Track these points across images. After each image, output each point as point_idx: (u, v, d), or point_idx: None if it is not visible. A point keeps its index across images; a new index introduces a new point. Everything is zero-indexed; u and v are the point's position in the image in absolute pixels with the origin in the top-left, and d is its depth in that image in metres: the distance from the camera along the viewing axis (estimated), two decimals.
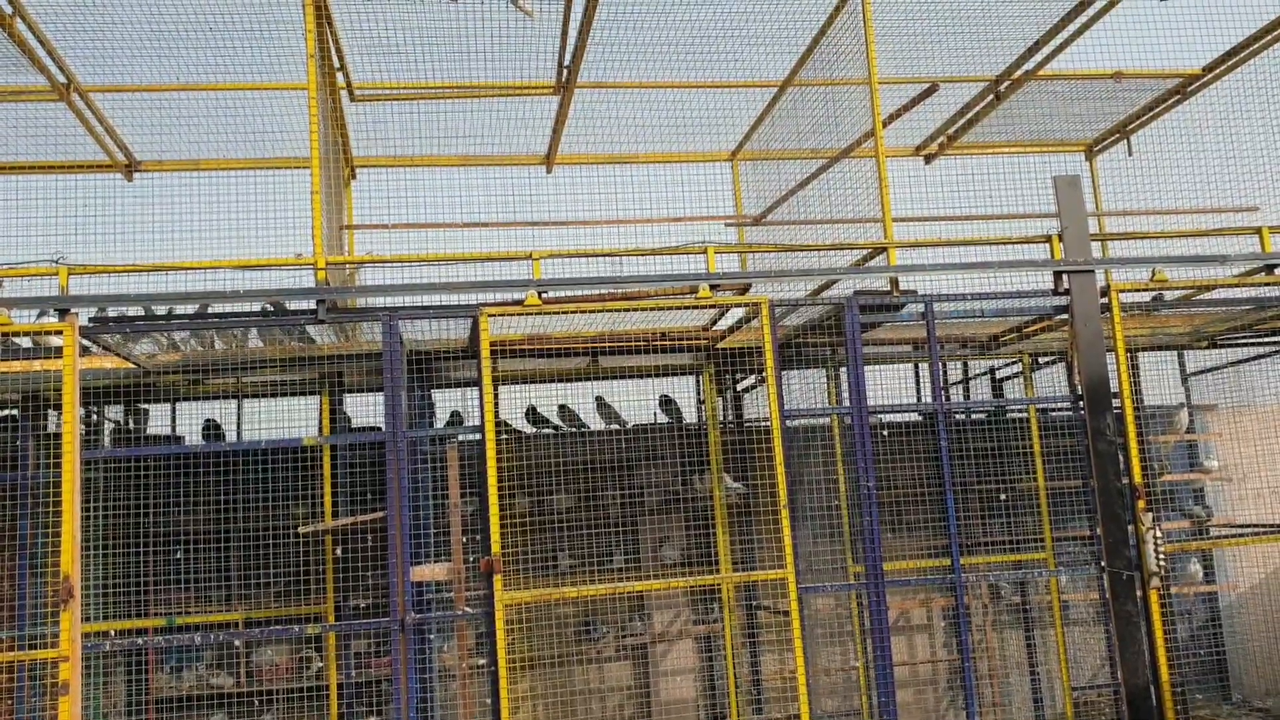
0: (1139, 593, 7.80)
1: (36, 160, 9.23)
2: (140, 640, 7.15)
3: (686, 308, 7.72)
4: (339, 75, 8.48)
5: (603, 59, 8.67)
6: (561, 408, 10.28)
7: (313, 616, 8.65)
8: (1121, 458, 7.96)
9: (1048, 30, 8.49)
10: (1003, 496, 10.00)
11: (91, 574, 8.46)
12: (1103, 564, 7.88)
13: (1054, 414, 10.24)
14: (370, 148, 9.83)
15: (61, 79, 8.14)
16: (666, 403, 10.36)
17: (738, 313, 8.46)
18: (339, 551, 8.62)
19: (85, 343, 7.47)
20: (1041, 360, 10.13)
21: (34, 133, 8.85)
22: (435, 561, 7.71)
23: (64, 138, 8.92)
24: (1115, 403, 7.96)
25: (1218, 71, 9.11)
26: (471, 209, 9.56)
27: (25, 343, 7.80)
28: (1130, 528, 7.86)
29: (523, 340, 8.45)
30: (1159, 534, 7.81)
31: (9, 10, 7.18)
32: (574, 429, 10.27)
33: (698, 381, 10.25)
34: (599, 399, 10.23)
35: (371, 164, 10.04)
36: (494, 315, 7.38)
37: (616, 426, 10.29)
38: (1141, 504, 7.85)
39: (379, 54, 8.33)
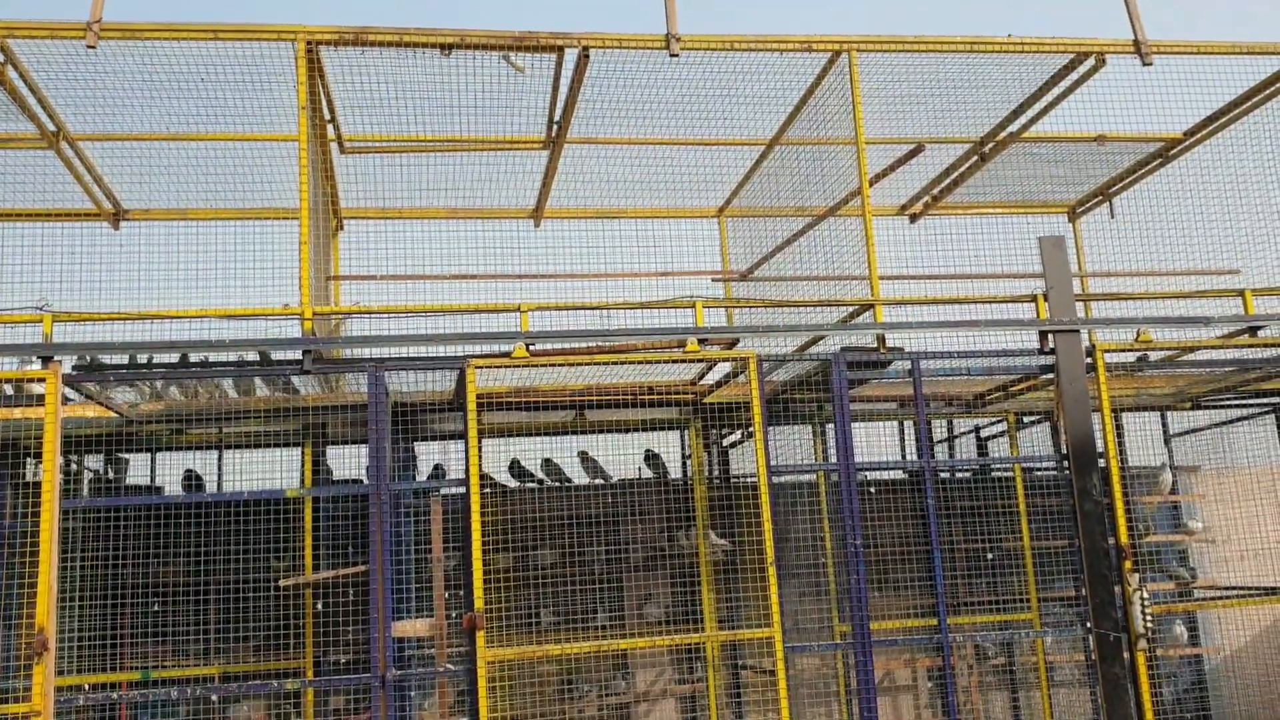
0: (1126, 655, 7.75)
1: (23, 208, 9.21)
2: (115, 695, 7.00)
3: (674, 361, 7.72)
4: (329, 127, 8.51)
5: (592, 115, 8.74)
6: (546, 461, 10.22)
7: (291, 672, 8.50)
8: (1107, 518, 7.95)
9: (1031, 93, 8.61)
10: (989, 556, 9.96)
11: (66, 626, 8.31)
12: (1089, 625, 7.84)
13: (1039, 473, 10.24)
14: (358, 199, 9.85)
15: (51, 127, 8.15)
16: (652, 457, 10.32)
17: (725, 367, 8.46)
18: (319, 605, 8.49)
19: (67, 391, 7.40)
20: (1026, 419, 10.15)
21: (22, 180, 8.83)
22: (417, 617, 7.61)
23: (52, 185, 8.91)
24: (1100, 462, 7.96)
25: (1199, 136, 9.24)
26: (459, 261, 9.56)
27: (5, 389, 7.73)
28: (1117, 589, 7.82)
29: (509, 393, 8.42)
30: (1146, 595, 7.78)
31: (1, 59, 7.20)
32: (558, 483, 10.21)
33: (683, 436, 10.22)
34: (583, 453, 10.18)
35: (360, 215, 10.05)
36: (481, 367, 7.35)
37: (601, 481, 10.23)
38: (1128, 565, 7.82)
39: (370, 107, 8.37)
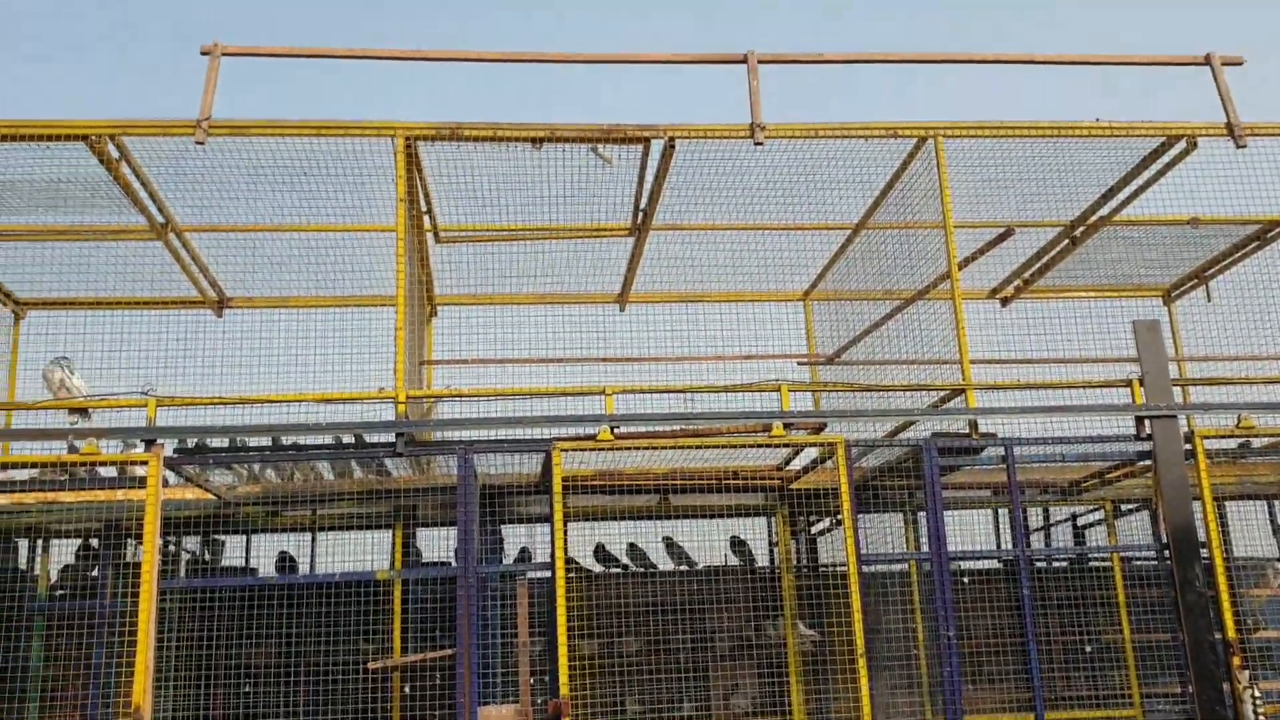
0: None
1: (132, 296, 9.59)
2: None
3: (760, 445, 7.68)
4: (425, 218, 8.76)
5: (677, 201, 8.87)
6: (630, 546, 10.18)
7: None
8: (1212, 611, 7.65)
9: (1122, 176, 8.53)
10: (1088, 649, 9.61)
11: (160, 706, 8.42)
12: None
13: (1138, 563, 9.90)
14: (451, 286, 10.07)
15: (160, 219, 8.51)
16: (738, 544, 10.21)
17: (811, 453, 8.39)
18: (407, 689, 8.50)
19: (167, 473, 7.61)
20: (1124, 507, 9.86)
21: (132, 270, 9.21)
22: (503, 702, 7.58)
23: (160, 275, 9.28)
24: (1203, 553, 7.69)
25: None
26: (547, 345, 9.70)
27: (108, 472, 7.98)
28: (1225, 686, 7.49)
29: (593, 476, 8.45)
30: (1258, 693, 7.44)
31: (116, 155, 7.57)
32: (642, 569, 10.15)
33: (769, 523, 10.10)
34: (668, 539, 10.12)
35: (452, 301, 10.27)
36: (567, 450, 7.40)
37: (686, 567, 10.14)
38: (1236, 660, 7.50)
39: (463, 197, 8.61)
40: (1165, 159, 8.21)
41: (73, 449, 7.39)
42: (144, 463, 7.11)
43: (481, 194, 8.49)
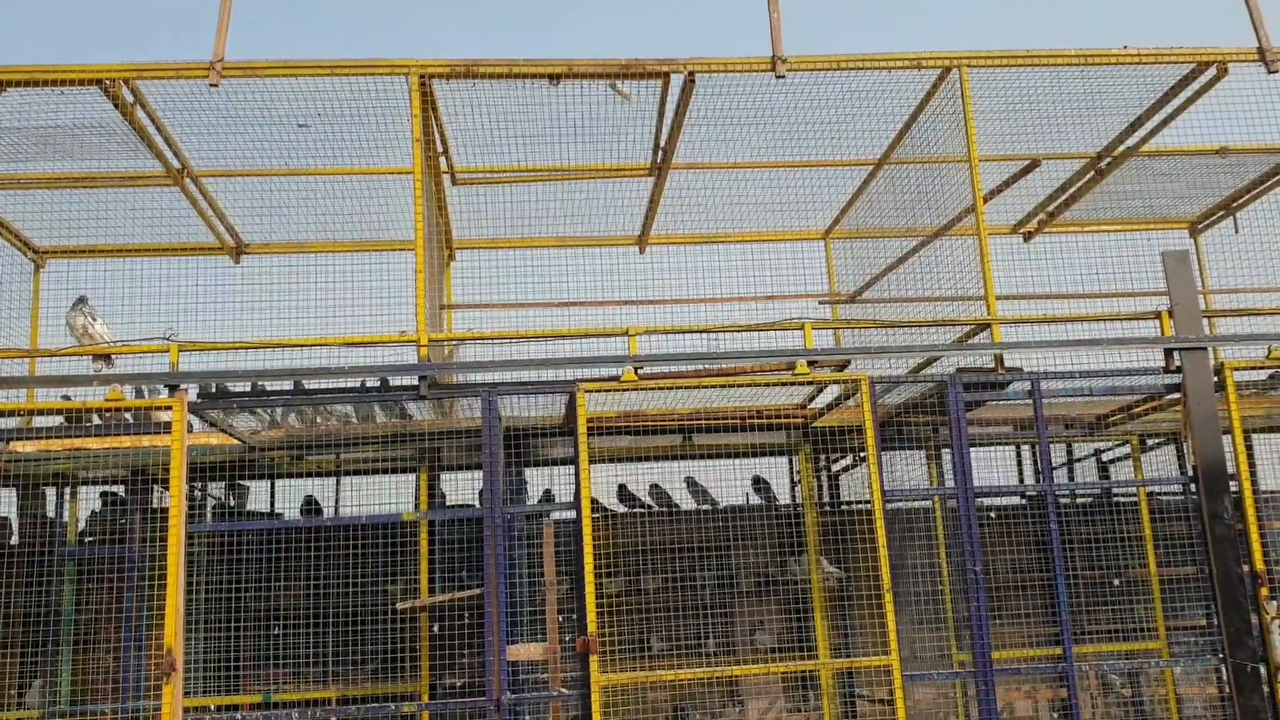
0: (1265, 687, 7.39)
1: (150, 243, 9.57)
2: (238, 716, 7.15)
3: (785, 384, 7.64)
4: (442, 160, 8.67)
5: (697, 139, 8.75)
6: (653, 487, 10.20)
7: (407, 695, 8.59)
8: (1240, 543, 7.62)
9: (1149, 106, 8.36)
10: (1115, 583, 9.61)
11: (191, 649, 8.53)
12: (1223, 655, 7.50)
13: (1164, 497, 9.87)
14: (469, 229, 10.01)
15: (176, 164, 8.45)
16: (760, 483, 10.22)
17: (834, 391, 8.35)
18: (435, 629, 8.57)
19: (192, 419, 7.63)
20: (1151, 442, 9.80)
21: (149, 216, 9.18)
22: (530, 641, 7.63)
23: (177, 221, 9.24)
24: (1232, 485, 7.64)
25: None
26: (567, 288, 9.65)
27: (131, 418, 8.01)
28: (1253, 617, 7.48)
29: (617, 418, 8.44)
30: None
31: (130, 99, 7.50)
32: (666, 509, 10.17)
33: (792, 461, 10.09)
34: (690, 479, 10.13)
35: (471, 245, 10.21)
36: (591, 391, 7.37)
37: (708, 507, 10.16)
38: (1264, 591, 7.48)
39: (480, 139, 8.51)
40: (1194, 87, 8.05)
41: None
42: (168, 408, 7.11)
43: (498, 135, 8.39)
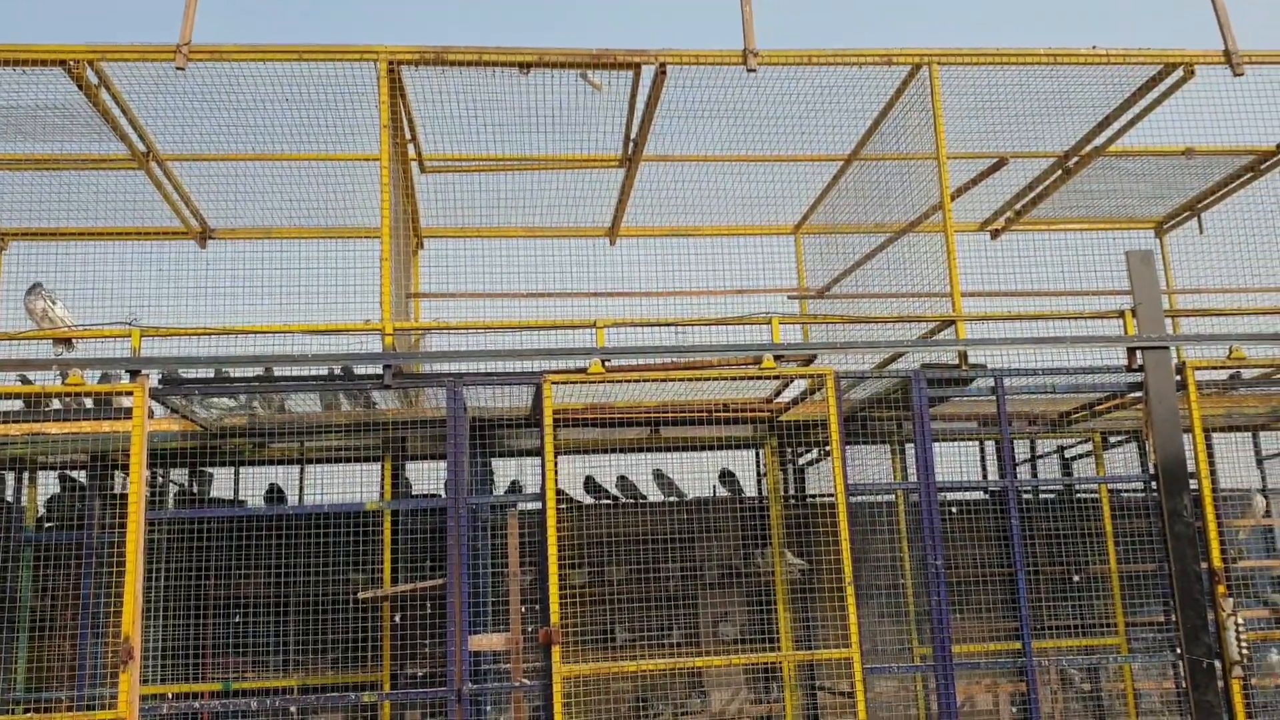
0: (1219, 682, 7.49)
1: (114, 227, 9.46)
2: (197, 704, 7.10)
3: (751, 378, 7.66)
4: (410, 147, 8.62)
5: (668, 132, 8.74)
6: (620, 479, 10.21)
7: (369, 684, 8.56)
8: (1198, 541, 7.70)
9: (1117, 106, 8.43)
10: (1075, 578, 9.70)
11: (150, 637, 8.46)
12: (1180, 651, 7.59)
13: (1125, 494, 9.97)
14: (438, 218, 9.95)
15: (142, 148, 8.36)
16: (727, 476, 10.24)
17: (801, 385, 8.38)
18: (397, 618, 8.55)
19: (153, 405, 7.55)
20: (1113, 439, 9.89)
21: (114, 199, 9.07)
22: (493, 631, 7.62)
23: (142, 205, 9.14)
24: (1191, 484, 7.73)
25: None
26: (536, 279, 9.62)
27: (90, 404, 7.92)
28: (1209, 614, 7.57)
29: (584, 409, 8.42)
30: (1240, 621, 7.52)
31: (95, 81, 7.40)
32: (632, 500, 10.18)
33: (758, 455, 10.13)
34: (657, 471, 10.14)
35: (439, 234, 10.16)
36: (558, 383, 7.36)
37: (675, 499, 10.18)
38: (1221, 589, 7.57)
39: (449, 127, 8.46)
40: (1161, 88, 8.11)
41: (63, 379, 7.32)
42: (129, 393, 7.04)
43: (467, 123, 8.35)
